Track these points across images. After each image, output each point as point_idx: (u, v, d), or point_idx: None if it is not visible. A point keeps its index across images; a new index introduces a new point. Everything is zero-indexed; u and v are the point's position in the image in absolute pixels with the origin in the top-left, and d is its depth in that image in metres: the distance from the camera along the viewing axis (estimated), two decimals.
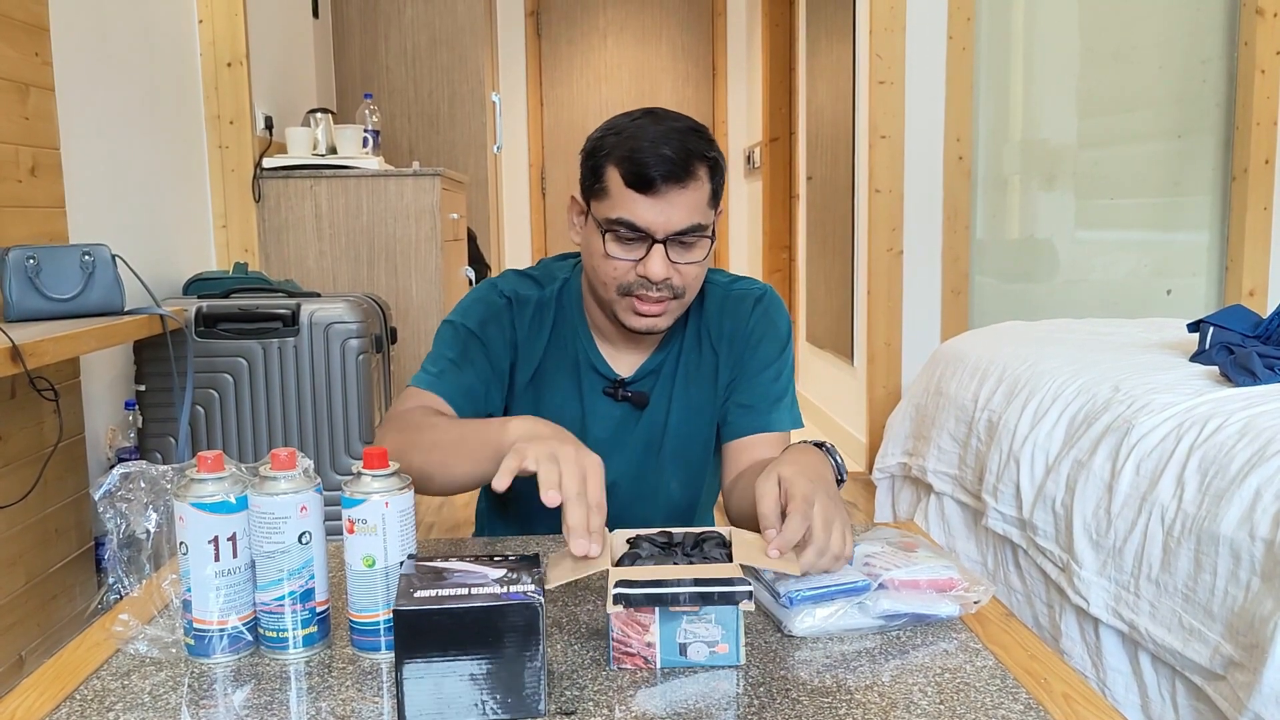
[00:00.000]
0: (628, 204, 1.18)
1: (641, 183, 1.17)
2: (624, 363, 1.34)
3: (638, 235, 1.19)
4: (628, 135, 1.19)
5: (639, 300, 1.22)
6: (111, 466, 2.46)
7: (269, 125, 3.51)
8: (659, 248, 1.18)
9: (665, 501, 1.38)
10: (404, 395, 1.28)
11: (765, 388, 1.33)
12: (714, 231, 1.25)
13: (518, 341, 1.31)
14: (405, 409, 1.24)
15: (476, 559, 0.92)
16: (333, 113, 3.62)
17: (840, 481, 1.13)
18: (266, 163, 3.34)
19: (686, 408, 1.34)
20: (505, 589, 0.85)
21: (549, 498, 0.94)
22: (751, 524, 1.07)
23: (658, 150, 1.16)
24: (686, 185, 1.18)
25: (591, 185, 1.23)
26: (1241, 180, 3.75)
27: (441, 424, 1.18)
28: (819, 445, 1.16)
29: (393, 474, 0.97)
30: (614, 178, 1.19)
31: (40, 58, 2.19)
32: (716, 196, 1.23)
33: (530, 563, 0.91)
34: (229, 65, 3.23)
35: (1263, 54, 3.67)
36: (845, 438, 4.20)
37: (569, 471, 0.95)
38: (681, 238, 1.19)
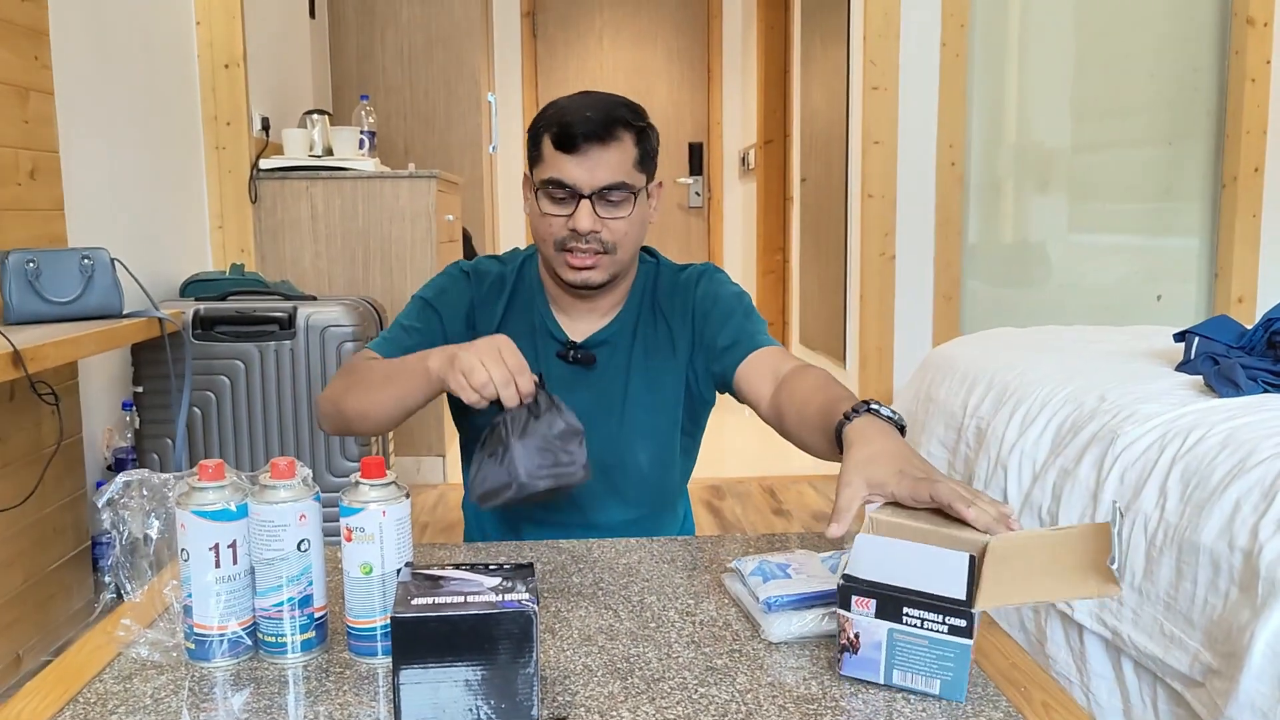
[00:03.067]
0: (557, 164, 1.32)
1: (566, 142, 1.31)
2: (577, 330, 1.44)
3: (567, 192, 1.32)
4: (560, 108, 1.34)
5: (571, 255, 1.34)
6: (109, 467, 2.49)
7: (265, 126, 3.52)
8: (585, 203, 1.31)
9: (635, 473, 1.46)
10: (354, 356, 1.44)
11: (739, 326, 1.41)
12: (648, 193, 1.38)
13: (475, 307, 1.44)
14: (347, 363, 1.41)
15: (473, 568, 0.94)
16: (329, 114, 3.63)
17: (901, 429, 1.08)
18: (263, 164, 3.36)
19: (646, 376, 1.44)
20: (500, 597, 0.87)
21: (471, 400, 1.15)
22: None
23: (581, 114, 1.31)
24: (608, 145, 1.31)
25: (532, 155, 1.37)
26: (1231, 188, 3.79)
27: (374, 367, 1.33)
28: (863, 411, 1.09)
29: (390, 483, 0.99)
30: (546, 143, 1.34)
31: (40, 61, 2.21)
32: (645, 161, 1.36)
33: (525, 571, 0.93)
34: (226, 67, 3.25)
35: (1253, 63, 3.70)
36: None
37: (476, 369, 1.14)
38: (607, 194, 1.32)
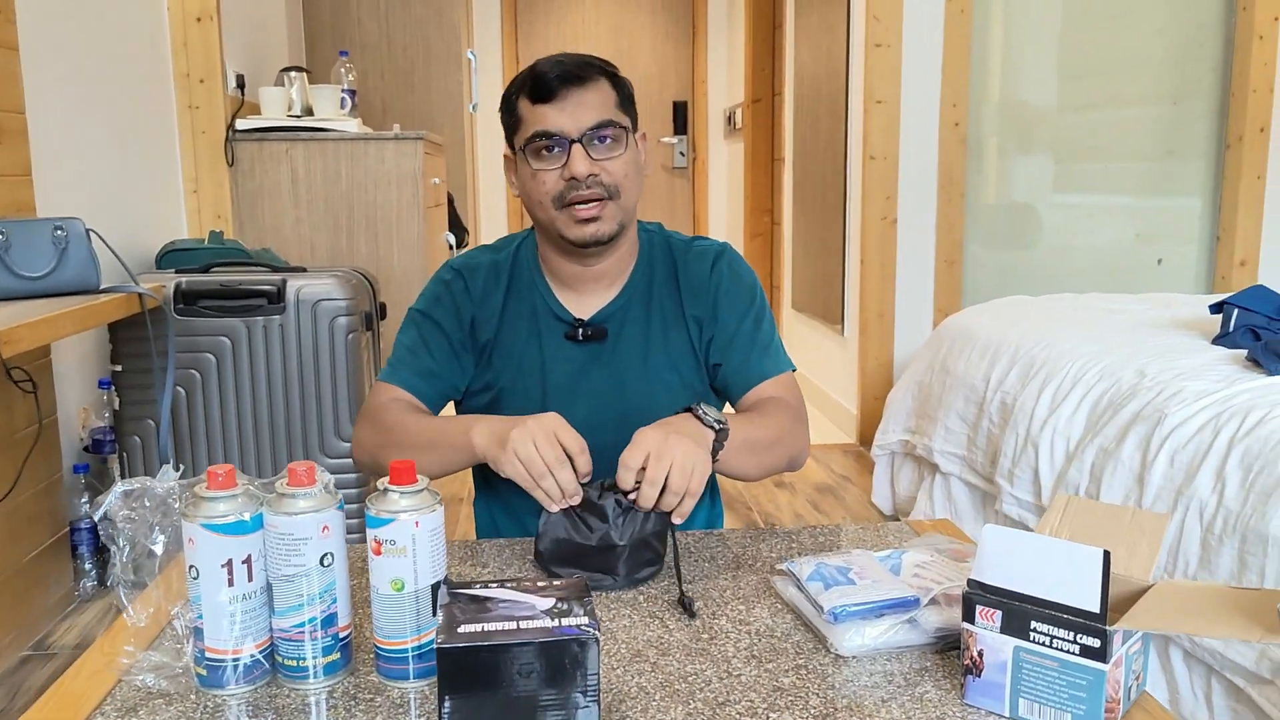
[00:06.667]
0: (538, 117, 1.26)
1: (543, 92, 1.26)
2: (583, 307, 1.36)
3: (555, 142, 1.26)
4: (530, 68, 1.29)
5: (575, 208, 1.26)
6: (86, 448, 2.36)
7: (241, 84, 3.36)
8: (577, 147, 1.25)
9: None
10: (374, 390, 1.39)
11: (749, 339, 1.37)
12: (636, 133, 1.32)
13: (472, 305, 1.37)
14: (377, 405, 1.34)
15: (519, 586, 0.84)
16: (308, 71, 3.47)
17: (719, 434, 1.18)
18: (239, 124, 3.20)
19: (666, 350, 1.37)
20: (557, 622, 0.78)
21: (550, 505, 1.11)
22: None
23: (553, 62, 1.27)
24: (586, 86, 1.26)
25: (510, 124, 1.32)
26: (1236, 148, 3.72)
27: (412, 424, 1.29)
28: (688, 410, 1.21)
29: (423, 489, 0.89)
30: (523, 104, 1.29)
31: (3, 15, 2.05)
32: (626, 105, 1.31)
33: (579, 591, 0.84)
34: (198, 20, 3.08)
35: (1261, 19, 3.62)
36: (835, 408, 4.16)
37: (531, 454, 1.09)
38: (597, 134, 1.26)
